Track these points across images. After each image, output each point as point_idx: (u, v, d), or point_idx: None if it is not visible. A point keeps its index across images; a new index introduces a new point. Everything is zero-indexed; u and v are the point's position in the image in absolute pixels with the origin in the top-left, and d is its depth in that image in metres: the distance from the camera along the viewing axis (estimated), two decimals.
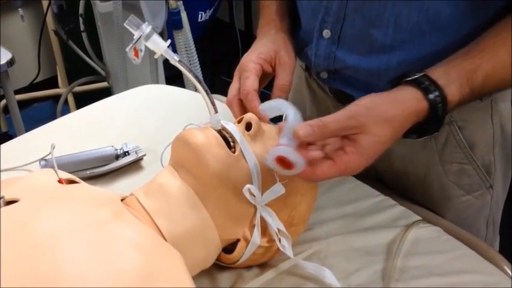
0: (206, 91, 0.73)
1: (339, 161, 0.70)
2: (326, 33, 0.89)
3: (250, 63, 0.86)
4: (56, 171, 0.77)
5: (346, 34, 0.88)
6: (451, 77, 0.74)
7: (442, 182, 0.96)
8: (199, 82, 0.73)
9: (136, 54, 0.72)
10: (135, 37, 0.71)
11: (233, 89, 0.86)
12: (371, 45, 0.86)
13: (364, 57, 0.87)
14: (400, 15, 0.81)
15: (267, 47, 0.89)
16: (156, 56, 0.73)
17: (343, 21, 0.87)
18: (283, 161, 0.69)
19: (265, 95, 0.87)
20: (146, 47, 0.72)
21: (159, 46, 0.71)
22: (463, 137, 0.93)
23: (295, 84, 1.11)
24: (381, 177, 1.03)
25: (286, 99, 0.85)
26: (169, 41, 0.72)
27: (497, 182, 0.99)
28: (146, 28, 0.70)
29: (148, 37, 0.70)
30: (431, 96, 0.72)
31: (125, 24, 0.70)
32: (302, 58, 0.98)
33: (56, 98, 2.66)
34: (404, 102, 0.73)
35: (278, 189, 0.73)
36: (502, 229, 1.10)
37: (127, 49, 0.73)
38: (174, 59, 0.72)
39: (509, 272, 0.84)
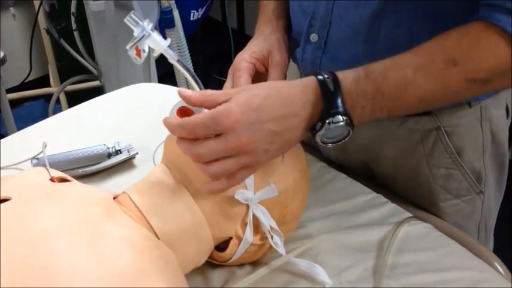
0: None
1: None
2: (313, 37, 0.90)
3: (243, 62, 0.86)
4: (47, 169, 0.77)
5: (332, 39, 0.88)
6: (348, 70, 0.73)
7: (430, 186, 0.96)
8: (196, 82, 0.73)
9: (139, 54, 0.72)
10: (135, 35, 0.70)
11: (227, 88, 0.86)
12: (356, 51, 0.86)
13: (349, 65, 0.87)
14: (382, 27, 0.82)
15: (260, 46, 0.89)
16: (155, 54, 0.73)
17: (329, 26, 0.87)
18: (184, 112, 0.70)
19: None
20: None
21: (159, 44, 0.71)
22: (451, 142, 0.93)
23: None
24: (373, 177, 1.04)
25: None
26: (169, 40, 0.72)
27: (489, 187, 0.99)
28: (148, 26, 0.70)
29: (148, 35, 0.70)
30: (319, 76, 0.71)
31: (125, 20, 0.70)
32: (293, 59, 0.98)
33: (48, 97, 2.65)
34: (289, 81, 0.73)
35: (271, 191, 0.73)
36: (498, 233, 1.10)
37: (127, 47, 0.72)
38: (173, 58, 0.72)
39: (500, 269, 0.84)
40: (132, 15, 0.69)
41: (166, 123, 0.68)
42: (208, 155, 0.66)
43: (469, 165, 0.95)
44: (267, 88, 0.69)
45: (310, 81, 0.70)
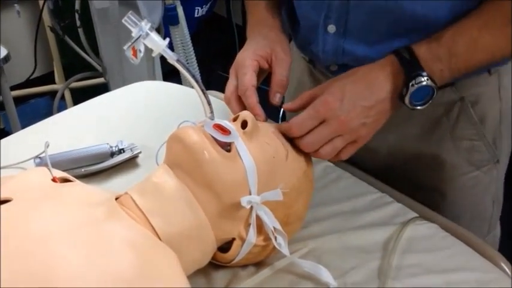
0: (203, 90, 0.73)
1: None
2: (331, 28, 0.90)
3: (247, 59, 0.86)
4: (49, 169, 0.77)
5: (351, 27, 0.88)
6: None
7: (453, 159, 0.98)
8: (196, 81, 0.73)
9: (135, 54, 0.71)
10: (133, 35, 0.70)
11: (230, 86, 0.86)
12: (378, 35, 0.87)
13: (372, 47, 0.88)
14: (405, 8, 0.82)
15: (262, 44, 0.89)
16: (154, 55, 0.72)
17: (347, 15, 0.87)
18: (220, 128, 0.73)
19: (263, 90, 0.87)
20: (145, 47, 0.71)
21: (158, 45, 0.70)
22: (474, 112, 0.94)
23: (298, 77, 1.11)
24: (388, 164, 1.03)
25: (283, 94, 0.87)
26: (167, 40, 0.72)
27: (502, 156, 1.01)
28: (145, 27, 0.69)
29: (146, 35, 0.69)
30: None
31: (123, 21, 0.69)
32: (307, 55, 0.98)
33: (53, 93, 2.65)
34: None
35: (276, 195, 0.73)
36: (502, 225, 1.10)
37: (125, 47, 0.72)
38: (172, 58, 0.72)
39: (506, 269, 0.83)
40: (130, 15, 0.68)
41: (280, 126, 0.80)
42: (318, 140, 0.78)
43: (490, 135, 0.97)
44: (351, 76, 0.81)
45: (388, 58, 0.80)
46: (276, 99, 0.86)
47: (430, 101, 0.79)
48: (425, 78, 0.77)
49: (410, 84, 0.77)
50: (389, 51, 0.81)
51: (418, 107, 0.80)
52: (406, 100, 0.78)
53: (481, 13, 0.79)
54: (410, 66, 0.78)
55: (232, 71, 0.88)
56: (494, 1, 0.78)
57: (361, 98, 0.78)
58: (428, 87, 0.78)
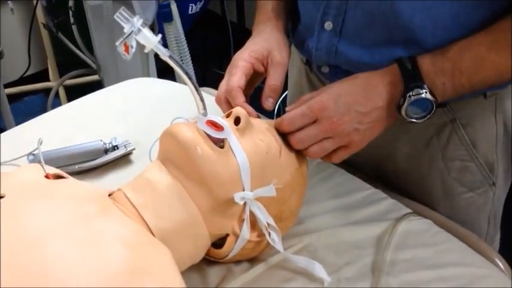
0: (195, 87, 0.73)
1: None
2: (328, 25, 0.89)
3: (241, 61, 0.86)
4: (42, 166, 0.77)
5: (348, 27, 0.87)
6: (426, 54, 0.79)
7: (444, 179, 0.97)
8: (189, 78, 0.73)
9: (127, 50, 0.71)
10: (125, 31, 0.70)
11: (222, 86, 0.86)
12: (373, 39, 0.86)
13: (366, 51, 0.87)
14: (403, 14, 0.81)
15: (260, 45, 0.89)
16: (146, 51, 0.72)
17: (345, 14, 0.86)
18: (213, 124, 0.72)
19: (259, 88, 0.87)
20: (137, 42, 0.71)
21: (150, 41, 0.70)
22: (466, 134, 0.93)
23: (295, 78, 1.11)
24: (381, 176, 1.03)
25: (276, 99, 0.86)
26: (160, 36, 0.71)
27: (499, 179, 0.99)
28: (137, 23, 0.69)
29: (138, 31, 0.69)
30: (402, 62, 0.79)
31: (115, 17, 0.69)
32: (303, 52, 0.97)
33: (47, 91, 2.65)
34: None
35: (270, 191, 0.73)
36: (503, 226, 1.10)
37: (117, 43, 0.72)
38: (164, 54, 0.72)
39: (500, 265, 0.84)
40: (122, 11, 0.68)
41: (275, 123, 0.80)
42: (308, 139, 0.78)
43: (483, 157, 0.95)
44: (351, 79, 0.80)
45: (390, 67, 0.79)
46: (268, 103, 0.86)
47: (429, 116, 0.78)
48: (425, 91, 0.76)
49: (408, 95, 0.76)
50: (387, 59, 0.80)
51: (415, 120, 0.78)
52: (403, 111, 0.77)
53: (493, 31, 0.77)
54: (410, 77, 0.77)
55: (227, 71, 0.88)
56: (508, 21, 0.76)
57: (357, 103, 0.77)
58: (427, 100, 0.76)
